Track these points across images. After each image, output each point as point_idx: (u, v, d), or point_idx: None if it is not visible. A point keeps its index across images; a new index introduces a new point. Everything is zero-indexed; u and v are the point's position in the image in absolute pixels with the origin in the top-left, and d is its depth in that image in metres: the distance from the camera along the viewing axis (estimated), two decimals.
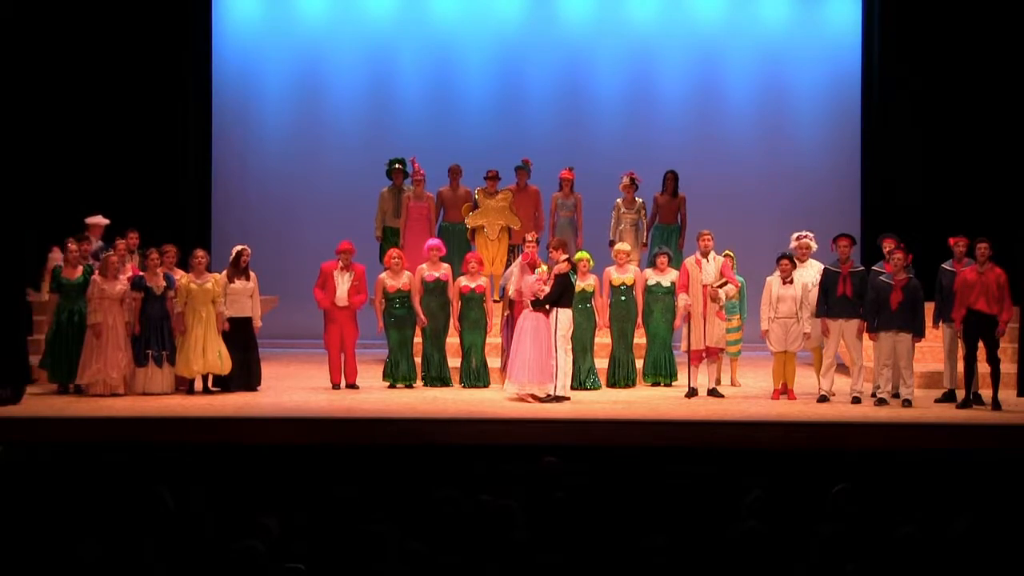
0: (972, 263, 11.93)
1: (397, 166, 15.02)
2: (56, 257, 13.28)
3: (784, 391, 12.39)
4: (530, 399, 12.07)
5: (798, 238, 12.69)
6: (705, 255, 12.57)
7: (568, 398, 12.17)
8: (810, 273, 12.41)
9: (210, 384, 12.62)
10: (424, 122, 16.88)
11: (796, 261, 12.53)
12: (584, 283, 12.90)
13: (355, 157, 16.68)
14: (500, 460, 9.32)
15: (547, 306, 12.14)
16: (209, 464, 9.38)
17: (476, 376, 13.07)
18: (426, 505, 7.17)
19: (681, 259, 13.38)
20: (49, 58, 15.39)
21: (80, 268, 12.60)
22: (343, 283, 12.84)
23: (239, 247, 12.80)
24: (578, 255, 13.14)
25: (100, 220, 13.86)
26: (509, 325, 12.96)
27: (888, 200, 15.96)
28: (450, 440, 10.67)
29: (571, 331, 12.34)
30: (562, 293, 12.19)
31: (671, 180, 15.03)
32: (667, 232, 14.87)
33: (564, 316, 12.17)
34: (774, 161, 16.93)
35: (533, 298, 12.22)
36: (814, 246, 12.64)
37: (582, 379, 12.94)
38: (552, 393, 12.06)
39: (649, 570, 6.16)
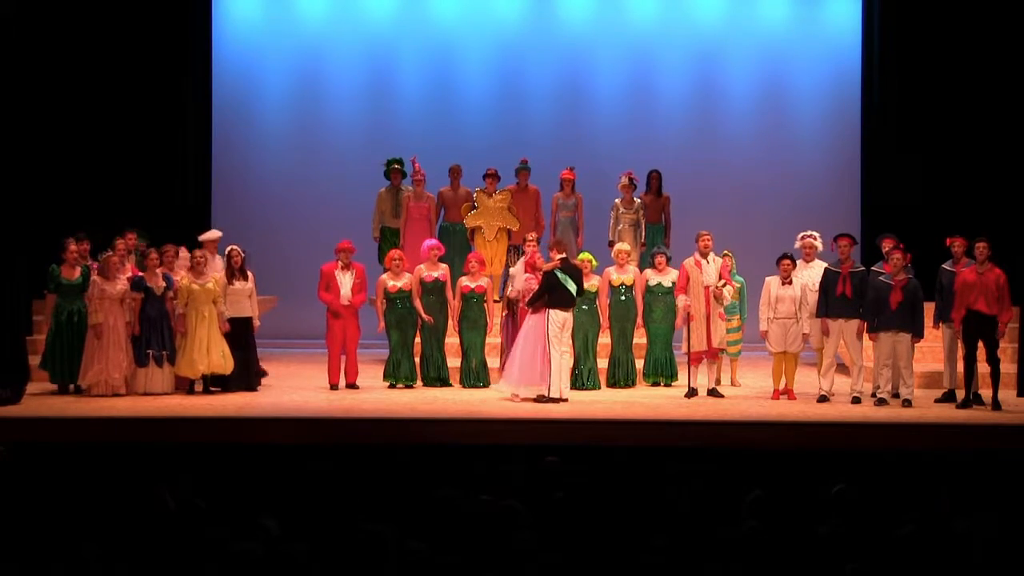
0: (971, 263, 11.94)
1: (395, 166, 15.01)
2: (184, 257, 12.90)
3: (784, 391, 12.39)
4: (516, 399, 12.07)
5: (802, 238, 12.70)
6: (704, 256, 12.57)
7: (566, 399, 12.14)
8: (815, 273, 12.40)
9: (210, 384, 12.63)
10: (424, 122, 16.88)
11: (802, 260, 12.54)
12: (587, 284, 12.89)
13: (355, 157, 16.67)
14: (500, 460, 9.31)
15: (535, 304, 12.12)
16: (209, 464, 9.37)
17: (476, 376, 13.07)
18: (426, 505, 7.16)
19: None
20: (49, 58, 15.38)
21: (78, 269, 12.61)
22: (346, 282, 12.86)
23: (228, 248, 12.81)
24: (580, 256, 13.15)
25: (214, 235, 13.55)
26: (509, 325, 12.97)
27: (888, 200, 15.95)
28: (450, 440, 10.68)
29: (565, 331, 12.27)
30: (547, 291, 12.13)
31: (655, 179, 15.05)
32: (652, 232, 14.88)
33: (555, 316, 12.11)
34: (774, 161, 16.93)
35: (527, 298, 12.26)
36: (819, 246, 12.64)
37: (584, 379, 12.93)
38: (546, 394, 12.05)
39: (649, 570, 6.16)
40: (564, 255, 12.34)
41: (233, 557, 6.00)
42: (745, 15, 17.05)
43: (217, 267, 13.14)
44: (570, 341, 12.43)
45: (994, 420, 11.39)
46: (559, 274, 12.14)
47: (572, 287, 12.19)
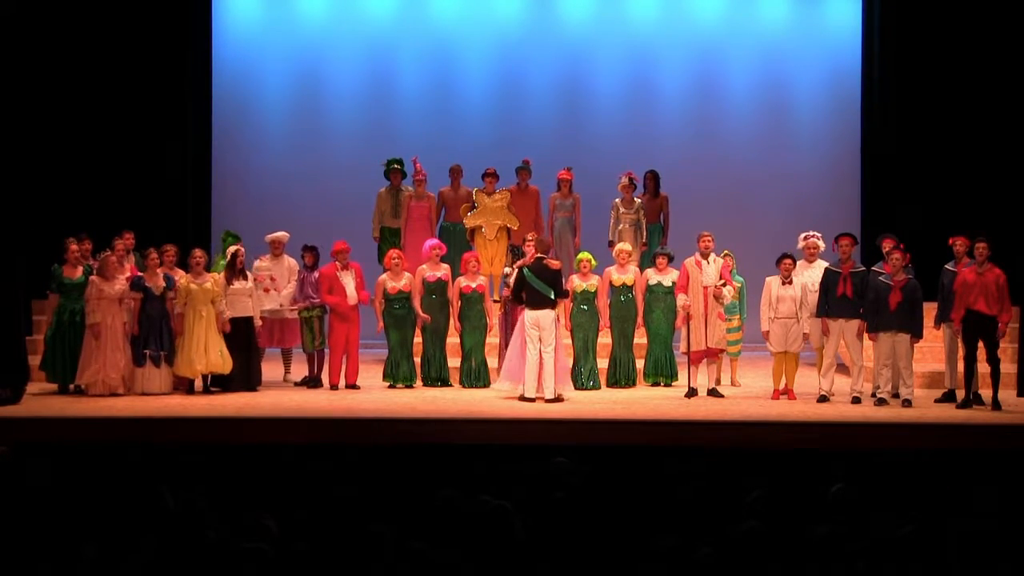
0: (972, 263, 11.93)
1: (395, 166, 15.01)
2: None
3: (784, 391, 12.39)
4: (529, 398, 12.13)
5: (805, 238, 12.71)
6: (705, 256, 12.57)
7: (559, 398, 12.14)
8: (817, 273, 12.40)
9: (210, 384, 12.63)
10: (424, 122, 16.86)
11: (804, 261, 12.55)
12: (586, 283, 12.90)
13: (355, 157, 16.65)
14: (500, 460, 9.31)
15: (513, 301, 12.28)
16: (209, 464, 9.37)
17: (476, 376, 13.07)
18: (426, 505, 7.16)
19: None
20: (49, 57, 15.38)
21: (80, 268, 12.60)
22: (349, 282, 12.87)
23: (233, 248, 12.81)
24: (580, 256, 13.16)
25: (282, 236, 13.56)
26: (505, 325, 12.96)
27: (888, 200, 15.95)
28: (450, 440, 10.68)
29: (545, 330, 12.10)
30: (519, 288, 12.27)
31: (651, 180, 15.05)
32: (650, 232, 14.87)
33: (526, 315, 12.19)
34: (774, 161, 16.92)
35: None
36: (822, 245, 12.66)
37: (584, 379, 12.93)
38: (523, 393, 12.14)
39: (649, 570, 6.16)
40: (541, 255, 12.33)
41: (236, 557, 5.99)
42: (745, 15, 17.03)
43: (283, 267, 13.20)
44: (553, 340, 12.20)
45: (994, 420, 11.39)
46: (526, 272, 12.17)
47: (542, 287, 12.16)
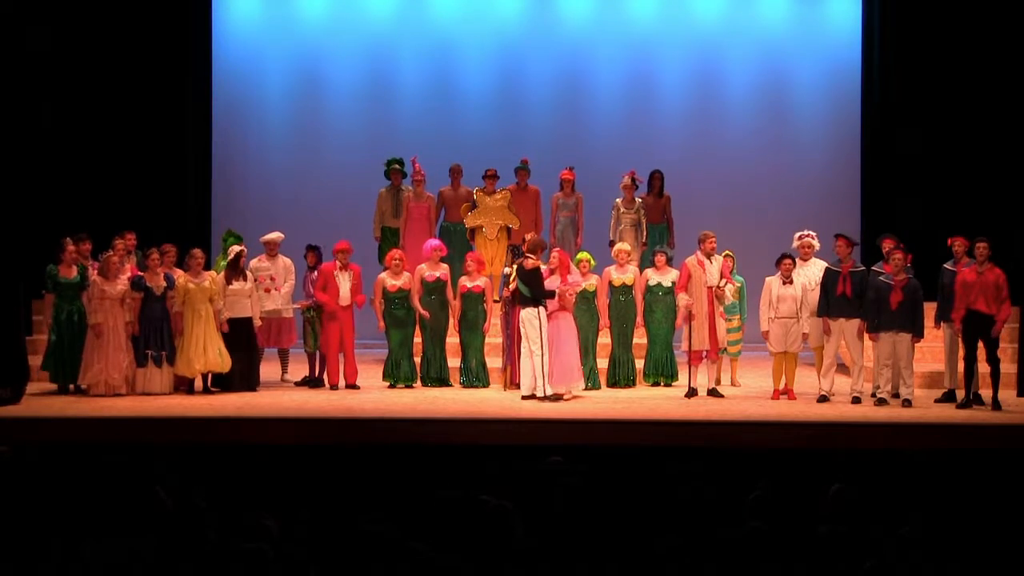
0: (972, 263, 11.94)
1: (395, 166, 15.01)
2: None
3: (784, 391, 12.39)
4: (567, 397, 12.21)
5: (800, 237, 12.73)
6: (709, 257, 12.56)
7: (553, 397, 12.15)
8: (813, 272, 12.42)
9: (210, 384, 12.63)
10: (424, 121, 16.85)
11: (800, 260, 12.55)
12: (585, 283, 12.90)
13: (355, 156, 16.65)
14: (500, 460, 9.31)
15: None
16: (209, 464, 9.37)
17: (476, 376, 13.07)
18: (426, 505, 7.16)
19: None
20: (50, 57, 15.37)
21: (75, 268, 12.59)
22: (344, 282, 12.87)
23: (236, 248, 12.81)
24: (579, 255, 13.16)
25: (277, 237, 13.55)
26: (506, 325, 12.96)
27: (888, 200, 15.94)
28: (450, 440, 10.68)
29: (533, 330, 12.13)
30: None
31: (656, 180, 15.05)
32: (655, 232, 14.87)
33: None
34: (774, 160, 16.91)
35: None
36: (816, 244, 12.67)
37: (584, 379, 12.91)
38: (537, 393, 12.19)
39: (649, 570, 6.16)
40: (528, 255, 12.33)
41: (236, 557, 5.99)
42: (745, 14, 17.02)
43: (280, 267, 13.24)
44: (538, 338, 12.11)
45: (994, 420, 11.39)
46: (519, 276, 12.24)
47: (523, 288, 12.19)
